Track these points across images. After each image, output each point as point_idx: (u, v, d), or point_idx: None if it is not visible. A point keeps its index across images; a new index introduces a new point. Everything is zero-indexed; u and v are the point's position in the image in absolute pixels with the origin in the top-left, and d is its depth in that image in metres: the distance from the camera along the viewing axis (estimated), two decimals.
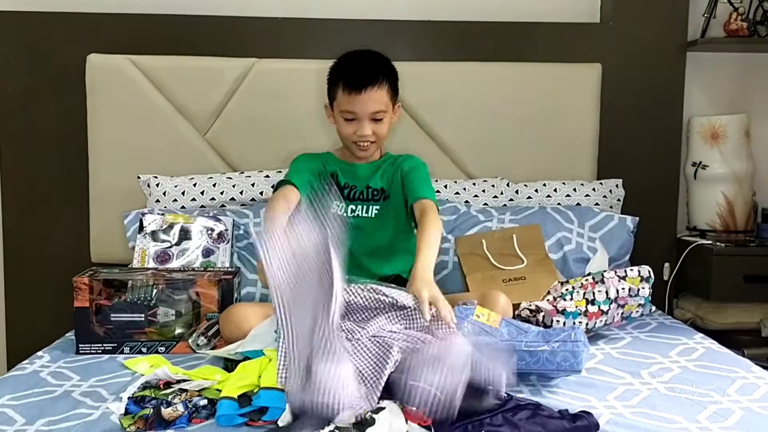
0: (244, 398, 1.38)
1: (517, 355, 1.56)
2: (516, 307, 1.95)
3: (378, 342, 1.48)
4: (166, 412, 1.35)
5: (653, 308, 2.07)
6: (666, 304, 2.69)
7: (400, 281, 2.03)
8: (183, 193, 2.43)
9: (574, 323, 1.86)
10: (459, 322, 1.58)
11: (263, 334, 1.68)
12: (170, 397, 1.40)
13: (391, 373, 1.39)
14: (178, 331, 1.89)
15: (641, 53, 2.68)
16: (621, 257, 2.39)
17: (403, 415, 1.30)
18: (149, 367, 1.70)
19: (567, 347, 1.55)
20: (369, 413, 1.29)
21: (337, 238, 1.43)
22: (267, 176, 2.47)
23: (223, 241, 2.23)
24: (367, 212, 2.08)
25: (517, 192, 2.55)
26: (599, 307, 1.89)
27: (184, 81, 2.55)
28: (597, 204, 2.53)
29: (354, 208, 2.07)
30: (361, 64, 2.00)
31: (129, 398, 1.42)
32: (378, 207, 2.08)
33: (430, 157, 2.35)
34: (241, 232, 2.31)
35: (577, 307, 1.87)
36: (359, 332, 1.52)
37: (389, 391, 1.37)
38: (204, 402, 1.40)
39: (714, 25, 2.70)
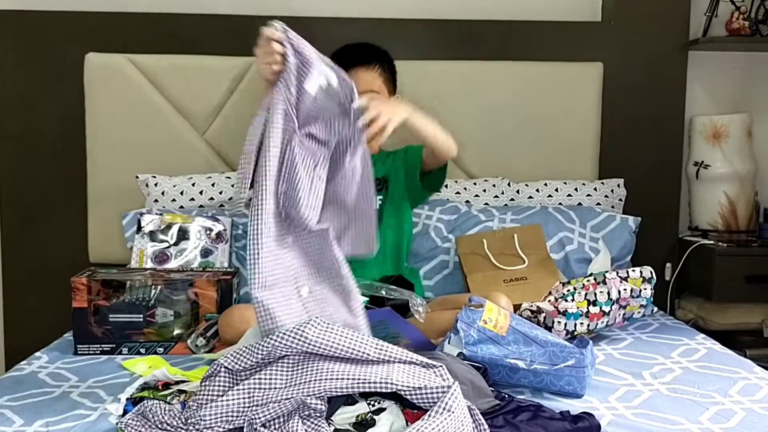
0: None
1: (520, 372, 1.55)
2: (517, 307, 1.94)
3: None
4: None
5: (655, 309, 2.07)
6: (668, 304, 2.68)
7: (402, 282, 2.02)
8: (181, 193, 2.42)
9: (575, 325, 1.85)
10: (465, 330, 1.57)
11: (260, 334, 1.67)
12: (169, 398, 1.39)
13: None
14: (176, 331, 1.88)
15: (643, 52, 2.67)
16: (623, 257, 2.39)
17: (404, 417, 1.29)
18: (148, 368, 1.69)
19: (573, 372, 1.53)
20: (369, 414, 1.28)
21: None
22: None
23: (222, 241, 2.22)
24: None
25: (518, 192, 2.55)
26: (601, 308, 1.88)
27: (182, 80, 2.55)
28: (598, 204, 2.52)
29: None
30: (352, 47, 2.04)
31: (127, 399, 1.41)
32: (380, 198, 2.08)
33: None
34: (240, 232, 2.30)
35: (578, 308, 1.86)
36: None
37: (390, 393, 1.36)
38: None
39: (716, 24, 2.69)
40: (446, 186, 2.50)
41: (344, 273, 1.52)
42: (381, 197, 2.09)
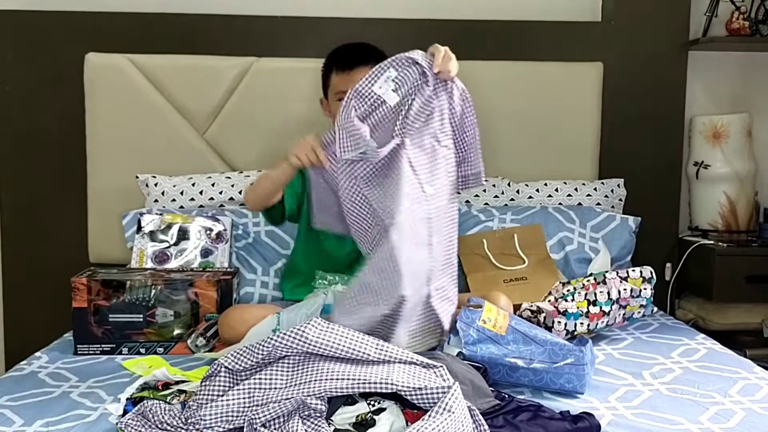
0: None
1: (520, 371, 1.55)
2: (517, 307, 1.94)
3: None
4: None
5: (655, 309, 2.08)
6: (668, 304, 2.68)
7: None
8: (181, 193, 2.42)
9: (575, 325, 1.85)
10: (464, 330, 1.57)
11: (261, 334, 1.67)
12: (169, 398, 1.39)
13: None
14: (176, 331, 1.88)
15: (643, 52, 2.67)
16: (623, 257, 2.39)
17: (404, 417, 1.29)
18: (148, 368, 1.69)
19: (572, 370, 1.53)
20: (369, 414, 1.28)
21: None
22: None
23: (222, 241, 2.22)
24: None
25: (518, 192, 2.54)
26: (601, 308, 1.88)
27: (182, 80, 2.55)
28: (598, 204, 2.52)
29: None
30: (354, 46, 2.06)
31: (127, 399, 1.41)
32: None
33: None
34: (240, 232, 2.30)
35: (578, 308, 1.86)
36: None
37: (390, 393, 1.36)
38: None
39: (716, 24, 2.69)
40: None
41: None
42: None
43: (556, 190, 2.54)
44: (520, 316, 1.90)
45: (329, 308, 1.73)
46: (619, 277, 1.93)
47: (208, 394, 1.31)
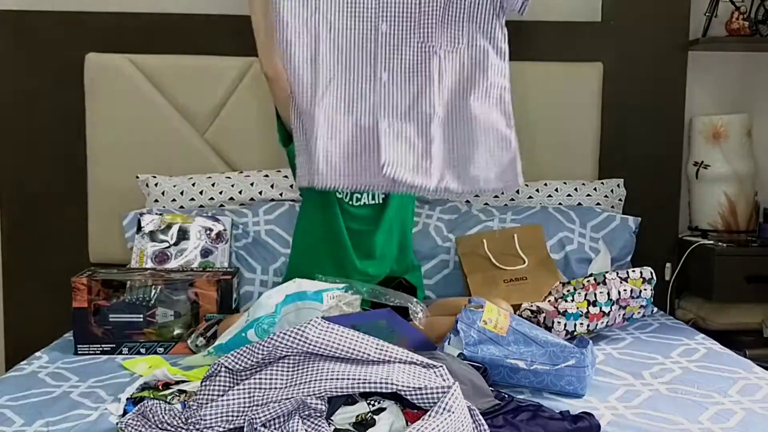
0: None
1: (521, 373, 1.55)
2: (517, 307, 1.94)
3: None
4: None
5: (655, 309, 2.08)
6: (667, 304, 2.68)
7: (404, 286, 2.01)
8: (182, 193, 2.42)
9: (575, 325, 1.85)
10: (465, 330, 1.57)
11: (236, 329, 1.68)
12: (169, 398, 1.39)
13: None
14: (176, 331, 1.89)
15: (643, 52, 2.67)
16: (623, 258, 2.39)
17: (404, 417, 1.29)
18: (148, 367, 1.69)
19: (573, 372, 1.53)
20: (369, 414, 1.28)
21: None
22: (266, 176, 2.46)
23: (222, 241, 2.22)
24: (372, 198, 2.06)
25: (518, 192, 2.54)
26: (601, 308, 1.88)
27: (183, 80, 2.55)
28: (598, 204, 2.52)
29: (359, 196, 2.06)
30: None
31: (127, 399, 1.42)
32: (382, 194, 2.08)
33: None
34: (240, 231, 2.30)
35: (578, 308, 1.86)
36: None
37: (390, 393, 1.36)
38: None
39: (715, 24, 2.69)
40: None
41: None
42: (384, 193, 2.09)
43: (556, 190, 2.54)
44: (520, 316, 1.91)
45: (299, 297, 1.69)
46: (619, 277, 1.93)
47: (208, 394, 1.31)
